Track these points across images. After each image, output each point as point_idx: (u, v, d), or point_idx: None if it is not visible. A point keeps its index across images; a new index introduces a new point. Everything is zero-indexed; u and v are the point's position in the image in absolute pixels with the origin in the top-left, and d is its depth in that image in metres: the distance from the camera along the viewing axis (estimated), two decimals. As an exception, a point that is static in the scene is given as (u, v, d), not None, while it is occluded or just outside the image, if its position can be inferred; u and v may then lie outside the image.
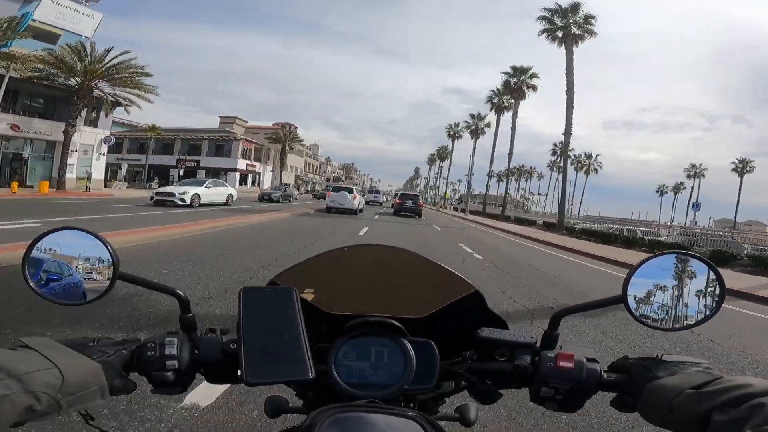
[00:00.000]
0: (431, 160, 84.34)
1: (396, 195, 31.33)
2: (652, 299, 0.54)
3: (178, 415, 1.88)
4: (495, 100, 38.18)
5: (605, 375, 0.53)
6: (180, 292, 0.56)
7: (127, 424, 1.76)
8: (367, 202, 31.13)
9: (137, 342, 0.52)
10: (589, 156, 66.85)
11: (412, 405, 0.60)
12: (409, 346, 0.57)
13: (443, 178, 72.73)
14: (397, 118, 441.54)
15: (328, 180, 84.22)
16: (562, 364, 0.52)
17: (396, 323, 0.59)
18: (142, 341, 0.52)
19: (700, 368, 0.46)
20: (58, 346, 0.43)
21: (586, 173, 66.43)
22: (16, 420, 0.36)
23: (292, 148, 56.43)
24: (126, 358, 0.49)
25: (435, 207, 56.64)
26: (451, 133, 59.85)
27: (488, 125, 46.12)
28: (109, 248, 0.52)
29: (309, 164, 72.01)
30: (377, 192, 37.35)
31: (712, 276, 0.54)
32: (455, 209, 44.91)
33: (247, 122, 60.51)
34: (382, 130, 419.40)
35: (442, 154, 72.92)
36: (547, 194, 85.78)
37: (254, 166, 46.31)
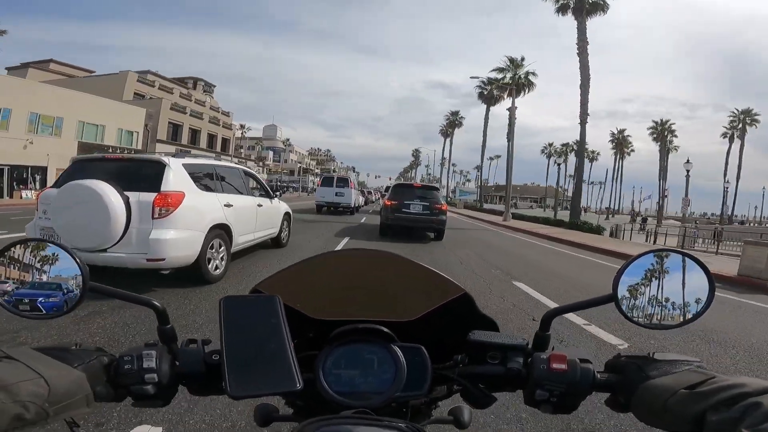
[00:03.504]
0: (446, 133, 62.92)
1: (386, 192, 16.65)
2: (641, 297, 0.58)
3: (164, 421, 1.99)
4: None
5: (599, 375, 0.56)
6: (156, 303, 0.57)
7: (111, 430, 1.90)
8: (319, 208, 18.68)
9: (113, 356, 0.54)
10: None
11: (405, 410, 0.63)
12: (399, 353, 0.60)
13: (453, 166, 57.54)
14: (383, 115, 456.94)
15: (291, 173, 68.37)
16: (555, 365, 0.55)
17: (385, 329, 0.61)
18: (117, 355, 0.54)
19: (692, 367, 0.50)
20: (41, 356, 0.47)
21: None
22: (6, 428, 0.40)
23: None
24: (105, 368, 0.52)
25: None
26: (486, 91, 37.31)
27: (533, 73, 31.01)
28: (78, 260, 0.54)
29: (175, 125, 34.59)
30: (342, 185, 18.37)
31: (702, 273, 0.57)
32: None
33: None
34: (369, 127, 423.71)
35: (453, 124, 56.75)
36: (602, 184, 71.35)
37: None
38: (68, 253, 0.55)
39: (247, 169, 7.03)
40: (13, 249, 0.55)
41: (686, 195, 19.02)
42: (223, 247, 5.13)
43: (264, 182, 7.65)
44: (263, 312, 0.54)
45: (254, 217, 6.33)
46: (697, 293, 0.58)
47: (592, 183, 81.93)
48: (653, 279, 0.58)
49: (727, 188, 41.36)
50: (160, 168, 4.35)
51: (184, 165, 4.66)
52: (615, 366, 0.57)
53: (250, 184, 6.94)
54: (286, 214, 8.16)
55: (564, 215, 34.91)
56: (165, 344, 0.57)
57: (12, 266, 0.55)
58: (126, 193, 4.05)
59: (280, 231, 7.83)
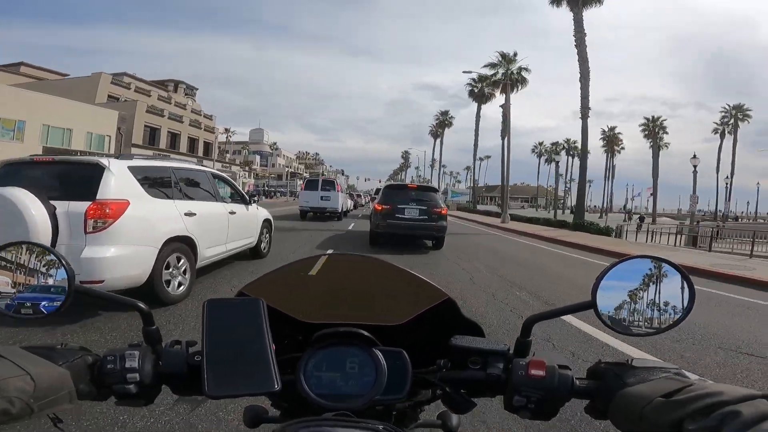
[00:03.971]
0: (435, 133, 61.45)
1: (375, 195, 16.29)
2: (621, 304, 0.58)
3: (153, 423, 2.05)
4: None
5: (577, 382, 0.56)
6: (141, 305, 0.59)
7: (98, 429, 1.96)
8: (303, 214, 17.48)
9: (97, 356, 0.56)
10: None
11: (393, 414, 0.65)
12: (380, 356, 0.61)
13: (443, 167, 57.06)
14: (374, 117, 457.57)
15: (279, 177, 67.56)
16: (533, 372, 0.56)
17: (366, 333, 0.62)
18: (101, 355, 0.56)
19: (670, 374, 0.50)
20: (27, 354, 0.49)
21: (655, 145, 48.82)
22: None
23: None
24: (89, 367, 0.54)
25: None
26: (476, 89, 36.93)
27: (526, 69, 30.88)
28: (64, 261, 0.56)
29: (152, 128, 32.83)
30: (328, 188, 17.11)
31: (682, 280, 0.57)
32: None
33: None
34: (360, 130, 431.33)
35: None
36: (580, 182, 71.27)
37: None
38: (55, 256, 0.56)
39: (216, 171, 6.31)
40: (2, 251, 0.56)
41: (694, 192, 18.49)
42: (185, 263, 4.45)
43: (238, 186, 6.94)
44: (246, 314, 0.55)
45: (225, 226, 5.64)
46: (677, 299, 0.57)
47: (564, 181, 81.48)
48: (632, 285, 0.58)
49: (727, 184, 41.13)
50: (96, 172, 3.62)
51: (130, 167, 3.94)
52: (595, 372, 0.57)
53: (220, 189, 6.25)
54: (266, 221, 7.48)
55: (560, 215, 34.52)
56: (149, 345, 0.58)
57: (2, 269, 0.56)
58: (54, 202, 3.35)
59: (259, 240, 7.16)
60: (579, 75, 19.83)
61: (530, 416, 0.57)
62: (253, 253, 7.10)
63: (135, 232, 3.67)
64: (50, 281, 0.56)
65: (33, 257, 0.57)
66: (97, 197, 3.47)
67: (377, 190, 20.05)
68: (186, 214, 4.53)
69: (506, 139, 25.40)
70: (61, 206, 3.36)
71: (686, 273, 0.57)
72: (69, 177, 3.71)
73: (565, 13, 21.96)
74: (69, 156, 4.92)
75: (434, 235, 9.65)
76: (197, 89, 49.59)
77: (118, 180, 3.70)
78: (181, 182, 4.81)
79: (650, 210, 49.09)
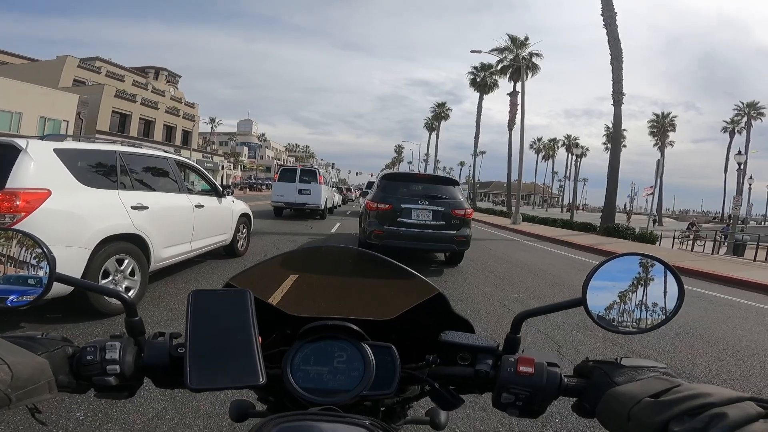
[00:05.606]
0: (431, 126, 59.33)
1: (368, 189, 12.29)
2: (611, 301, 0.59)
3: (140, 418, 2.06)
4: None
5: (566, 380, 0.57)
6: (124, 295, 0.59)
7: (78, 423, 1.95)
8: (278, 211, 14.43)
9: (77, 347, 0.56)
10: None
11: (382, 410, 0.66)
12: (369, 351, 0.62)
13: (437, 162, 56.40)
14: (365, 112, 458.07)
15: (267, 170, 66.80)
16: (522, 369, 0.57)
17: (354, 327, 0.63)
18: (79, 347, 0.56)
19: (658, 374, 0.51)
20: (6, 343, 0.49)
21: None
22: None
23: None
24: (69, 359, 0.54)
25: None
26: (479, 78, 35.68)
27: (537, 54, 30.13)
28: (45, 248, 0.55)
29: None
30: (307, 179, 11.83)
31: (672, 278, 0.59)
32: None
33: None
34: (351, 124, 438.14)
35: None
36: (575, 181, 71.22)
37: None
38: (37, 242, 0.55)
39: (181, 158, 5.63)
40: None
41: (739, 193, 17.29)
42: (131, 266, 3.82)
43: (210, 176, 6.28)
44: (232, 306, 0.55)
45: (190, 221, 5.01)
46: (667, 298, 0.59)
47: (573, 180, 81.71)
48: (623, 283, 0.59)
49: (750, 186, 39.96)
50: (9, 154, 2.98)
51: (57, 151, 3.28)
52: (583, 371, 0.57)
53: (187, 178, 5.61)
54: (243, 215, 6.90)
55: (554, 212, 33.63)
56: (132, 336, 0.58)
57: None
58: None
59: (235, 237, 6.55)
60: (610, 58, 18.00)
61: (518, 414, 0.57)
62: (227, 252, 6.56)
63: (57, 229, 3.03)
64: (32, 268, 0.55)
65: (16, 244, 0.56)
66: (6, 186, 2.84)
67: (369, 184, 17.45)
68: (134, 208, 3.89)
69: (513, 129, 24.88)
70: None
71: (676, 271, 0.58)
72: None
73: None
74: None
75: (455, 248, 7.04)
76: (180, 77, 48.42)
77: (39, 165, 3.05)
78: (131, 170, 4.16)
79: (649, 210, 48.89)
